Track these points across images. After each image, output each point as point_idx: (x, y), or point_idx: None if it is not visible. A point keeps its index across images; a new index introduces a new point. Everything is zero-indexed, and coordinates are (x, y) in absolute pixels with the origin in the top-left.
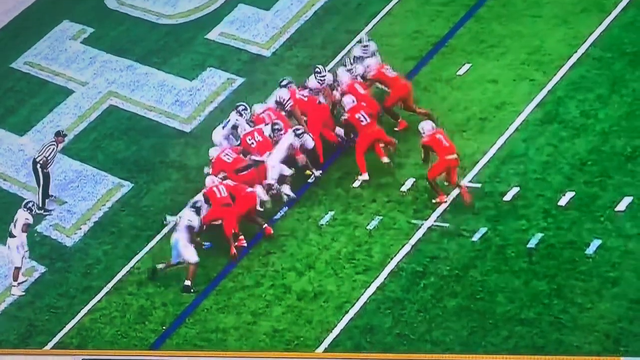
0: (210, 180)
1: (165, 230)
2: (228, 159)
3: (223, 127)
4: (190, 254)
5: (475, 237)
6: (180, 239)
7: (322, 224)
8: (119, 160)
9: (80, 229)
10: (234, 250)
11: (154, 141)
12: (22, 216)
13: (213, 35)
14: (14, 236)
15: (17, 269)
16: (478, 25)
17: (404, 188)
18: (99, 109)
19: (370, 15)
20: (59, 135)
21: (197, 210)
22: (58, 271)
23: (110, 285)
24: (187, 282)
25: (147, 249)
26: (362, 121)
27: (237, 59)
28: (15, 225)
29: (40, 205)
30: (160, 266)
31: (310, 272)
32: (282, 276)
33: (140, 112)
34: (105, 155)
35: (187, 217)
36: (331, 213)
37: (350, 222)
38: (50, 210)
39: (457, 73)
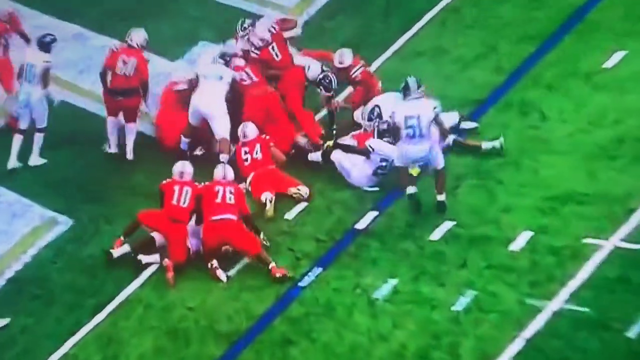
0: (220, 170)
1: (132, 287)
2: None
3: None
4: (441, 159)
5: (632, 332)
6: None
7: (378, 298)
8: (53, 183)
9: None
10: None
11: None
12: (40, 58)
13: None
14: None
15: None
16: None
17: (514, 246)
18: None
19: None
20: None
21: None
22: None
23: None
24: (411, 191)
25: (90, 325)
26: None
27: None
28: (33, 75)
29: None
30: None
31: None
32: None
33: (90, 107)
34: (32, 173)
35: (428, 107)
36: (393, 281)
37: (425, 298)
38: None
39: (603, 65)
